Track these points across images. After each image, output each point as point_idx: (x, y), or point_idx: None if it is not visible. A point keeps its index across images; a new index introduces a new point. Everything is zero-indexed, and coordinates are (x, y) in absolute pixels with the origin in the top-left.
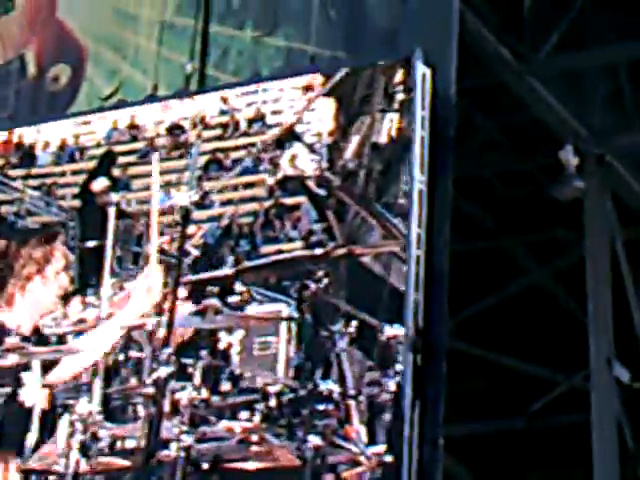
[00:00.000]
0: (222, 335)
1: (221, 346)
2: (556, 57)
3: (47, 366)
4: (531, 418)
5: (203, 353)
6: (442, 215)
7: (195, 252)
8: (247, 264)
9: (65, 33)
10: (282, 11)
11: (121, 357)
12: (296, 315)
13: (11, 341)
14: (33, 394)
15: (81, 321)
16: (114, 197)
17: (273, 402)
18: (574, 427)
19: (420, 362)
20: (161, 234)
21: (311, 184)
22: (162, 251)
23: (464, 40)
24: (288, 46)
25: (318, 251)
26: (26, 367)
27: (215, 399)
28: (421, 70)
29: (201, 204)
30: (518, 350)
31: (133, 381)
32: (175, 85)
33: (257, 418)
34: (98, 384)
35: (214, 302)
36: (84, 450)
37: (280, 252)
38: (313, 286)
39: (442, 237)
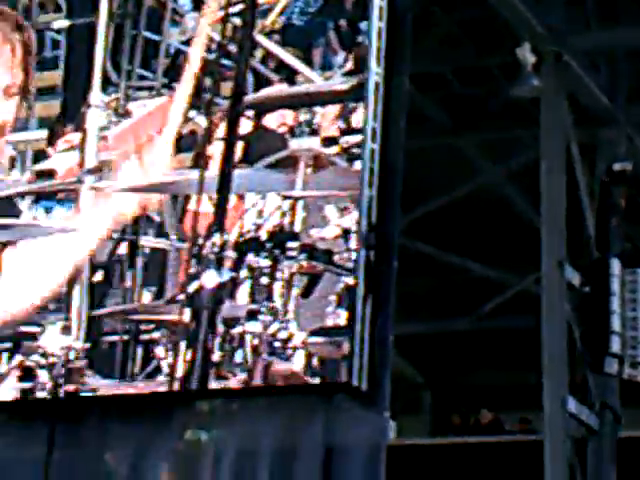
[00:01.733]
0: (329, 211)
1: (327, 234)
2: None
3: None
4: (481, 319)
5: (292, 247)
6: (398, 109)
7: (272, 47)
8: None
9: None
10: None
11: (122, 248)
12: None
13: None
14: None
15: (45, 174)
16: None
17: None
18: (524, 329)
19: (373, 258)
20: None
21: None
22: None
23: None
24: None
25: None
26: None
27: (315, 341)
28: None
29: None
30: (470, 251)
31: (146, 296)
32: None
33: None
34: (78, 299)
35: (311, 144)
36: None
37: None
38: None
39: (397, 132)
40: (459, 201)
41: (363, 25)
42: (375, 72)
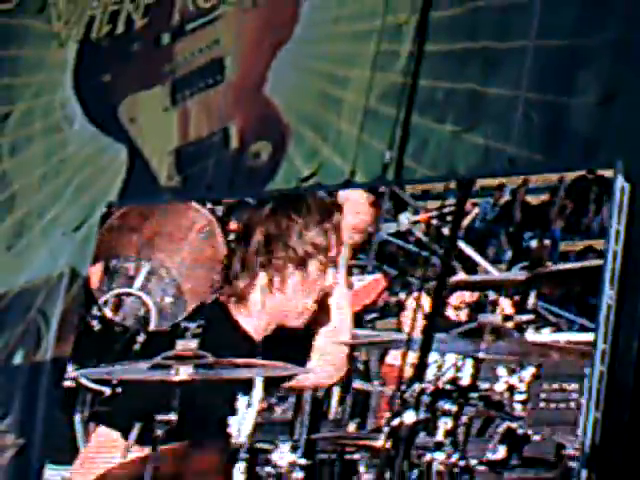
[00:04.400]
0: (500, 371)
1: (497, 389)
2: None
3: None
4: None
5: (473, 397)
6: (630, 332)
7: (462, 244)
8: (551, 267)
9: (270, 110)
10: (484, 108)
11: (335, 388)
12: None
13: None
14: (245, 429)
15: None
16: None
17: None
18: None
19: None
20: (414, 210)
21: None
22: (417, 243)
23: None
24: (486, 144)
25: None
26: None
27: (481, 469)
28: (620, 183)
29: None
30: None
31: (351, 426)
32: (372, 172)
33: None
34: (303, 425)
35: (494, 319)
36: None
37: (589, 252)
38: None
39: (629, 354)
40: None
41: (526, 235)
42: (608, 295)
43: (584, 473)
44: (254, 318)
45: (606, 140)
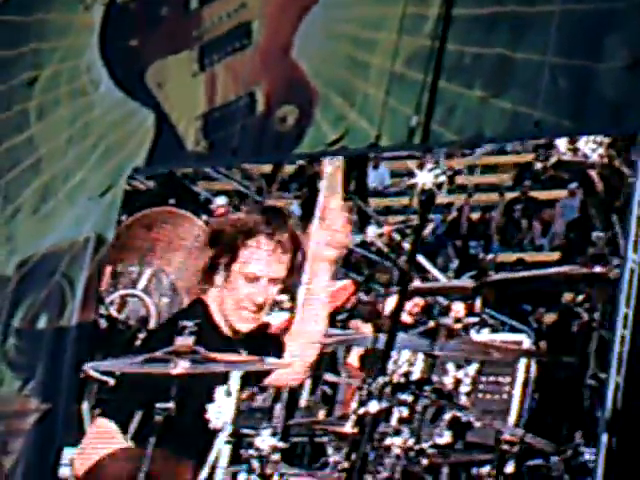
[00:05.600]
0: (449, 367)
1: (446, 381)
2: None
3: (248, 379)
4: None
5: (426, 389)
6: None
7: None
8: (494, 277)
9: (297, 75)
10: (512, 74)
11: (307, 380)
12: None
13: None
14: (223, 415)
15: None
16: None
17: (510, 468)
18: None
19: (615, 446)
20: (378, 224)
21: (594, 175)
22: (379, 253)
23: None
24: (514, 109)
25: (597, 269)
26: (224, 379)
27: (432, 452)
28: None
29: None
30: None
31: (321, 413)
32: (398, 137)
33: None
34: (280, 412)
35: (448, 321)
36: None
37: (521, 264)
38: (586, 316)
39: None
40: None
41: (473, 243)
42: (632, 259)
43: (605, 437)
44: (226, 317)
45: (633, 104)
